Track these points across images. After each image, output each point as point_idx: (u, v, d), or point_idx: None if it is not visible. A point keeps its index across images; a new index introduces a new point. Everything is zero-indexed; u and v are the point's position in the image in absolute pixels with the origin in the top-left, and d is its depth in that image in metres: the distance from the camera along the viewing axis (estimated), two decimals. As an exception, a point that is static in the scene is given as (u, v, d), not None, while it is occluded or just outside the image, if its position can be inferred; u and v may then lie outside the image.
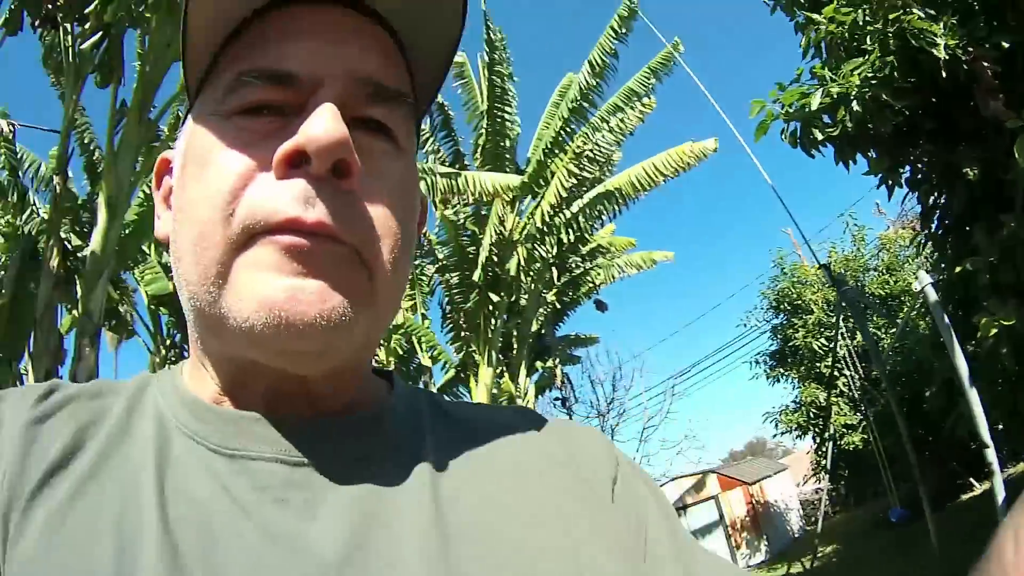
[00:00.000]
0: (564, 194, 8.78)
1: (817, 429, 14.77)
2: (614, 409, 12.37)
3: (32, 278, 7.30)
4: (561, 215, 8.92)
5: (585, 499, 0.48)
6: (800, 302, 14.04)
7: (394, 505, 0.43)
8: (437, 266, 9.03)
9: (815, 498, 15.32)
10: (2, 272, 8.43)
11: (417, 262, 9.43)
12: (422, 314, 9.94)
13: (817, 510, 14.02)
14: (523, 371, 9.26)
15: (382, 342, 9.57)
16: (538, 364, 10.28)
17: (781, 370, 14.26)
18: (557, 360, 10.19)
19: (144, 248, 9.08)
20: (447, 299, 8.93)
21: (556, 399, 11.40)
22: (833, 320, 12.76)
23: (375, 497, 0.43)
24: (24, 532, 0.40)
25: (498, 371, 8.69)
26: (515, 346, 9.10)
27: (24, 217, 8.33)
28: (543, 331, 9.71)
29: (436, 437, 0.49)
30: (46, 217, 7.75)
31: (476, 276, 8.55)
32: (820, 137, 4.10)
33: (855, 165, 4.38)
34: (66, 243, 7.47)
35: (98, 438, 0.45)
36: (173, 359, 9.90)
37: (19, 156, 8.31)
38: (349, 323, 0.40)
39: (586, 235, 9.21)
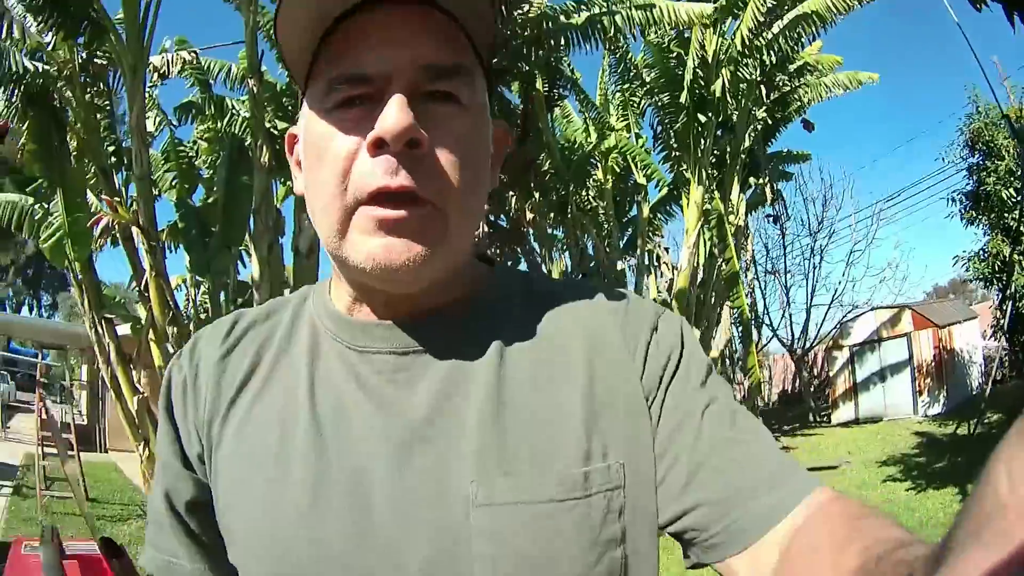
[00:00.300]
0: (762, 17, 8.63)
1: (1000, 284, 14.02)
2: (824, 229, 12.29)
3: (243, 172, 7.82)
4: (761, 37, 8.79)
5: (619, 366, 0.59)
6: (993, 144, 13.08)
7: (472, 378, 0.57)
8: (645, 88, 9.18)
9: (996, 355, 14.61)
10: (210, 172, 9.14)
11: (626, 85, 9.63)
12: (636, 134, 10.18)
13: (994, 370, 13.42)
14: (735, 188, 9.39)
15: (598, 163, 10.03)
16: (751, 180, 10.37)
17: (974, 213, 13.48)
18: (768, 178, 10.22)
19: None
20: (657, 120, 9.12)
21: (768, 216, 11.50)
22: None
23: (459, 373, 0.58)
24: (222, 439, 0.60)
25: (709, 189, 8.89)
26: (727, 162, 9.23)
27: (225, 122, 8.85)
28: (755, 147, 9.74)
29: (521, 315, 0.62)
30: (247, 116, 8.13)
31: (683, 98, 8.68)
32: None
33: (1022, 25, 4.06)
34: (272, 130, 7.66)
35: (271, 351, 0.63)
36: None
37: (207, 69, 8.81)
38: (429, 259, 0.54)
39: (792, 54, 9.03)
